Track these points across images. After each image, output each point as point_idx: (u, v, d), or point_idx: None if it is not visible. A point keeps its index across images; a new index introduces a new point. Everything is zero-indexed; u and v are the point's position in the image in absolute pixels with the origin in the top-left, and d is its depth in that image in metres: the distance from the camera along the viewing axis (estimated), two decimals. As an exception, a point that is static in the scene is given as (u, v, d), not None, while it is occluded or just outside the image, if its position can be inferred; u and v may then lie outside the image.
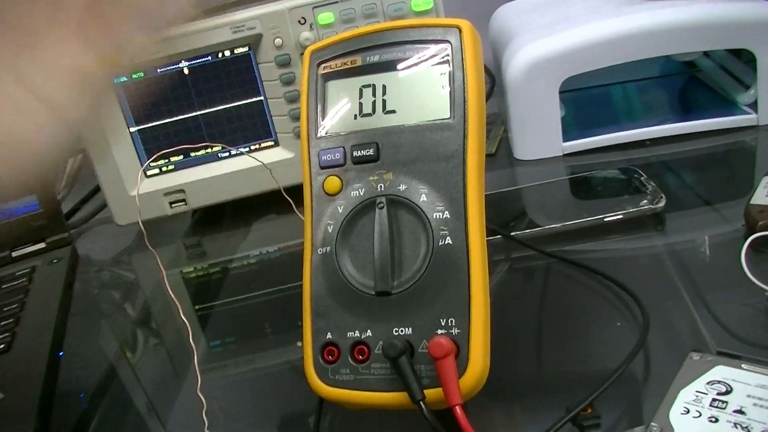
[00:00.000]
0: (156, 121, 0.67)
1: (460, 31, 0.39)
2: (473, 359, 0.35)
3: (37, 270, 0.63)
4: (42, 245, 0.66)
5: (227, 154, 0.68)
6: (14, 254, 0.66)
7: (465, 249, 0.36)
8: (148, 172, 0.68)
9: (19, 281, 0.61)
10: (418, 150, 0.38)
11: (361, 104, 0.40)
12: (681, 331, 0.43)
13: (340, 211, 0.39)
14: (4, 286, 0.61)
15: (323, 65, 0.42)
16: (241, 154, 0.67)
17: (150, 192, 0.68)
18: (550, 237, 0.53)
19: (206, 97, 0.67)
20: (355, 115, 0.40)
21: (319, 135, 0.41)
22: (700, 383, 0.35)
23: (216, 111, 0.67)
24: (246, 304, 0.58)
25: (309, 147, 0.41)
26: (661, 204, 0.52)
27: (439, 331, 0.35)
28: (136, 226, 0.70)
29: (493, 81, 0.81)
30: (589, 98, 0.77)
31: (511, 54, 0.65)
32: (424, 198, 0.37)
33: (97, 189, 0.85)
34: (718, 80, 0.72)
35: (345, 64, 0.41)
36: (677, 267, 0.48)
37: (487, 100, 0.81)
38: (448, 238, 0.36)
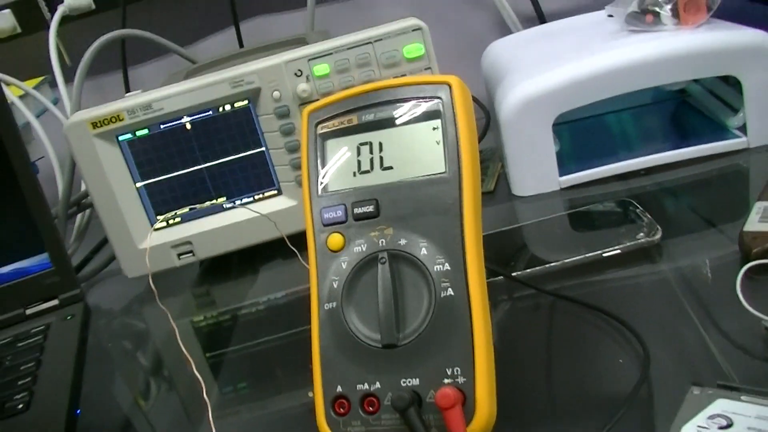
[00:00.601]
0: (161, 175, 0.69)
1: (450, 87, 0.41)
2: (480, 406, 0.36)
3: (51, 327, 0.64)
4: (55, 302, 0.67)
5: (232, 204, 0.70)
6: (28, 312, 0.67)
7: (466, 299, 0.37)
8: (156, 226, 0.70)
9: (35, 339, 0.62)
10: (416, 204, 0.40)
11: (359, 161, 0.42)
12: (682, 364, 0.43)
13: (344, 267, 0.40)
14: (19, 344, 0.62)
15: (321, 125, 0.43)
16: (244, 205, 0.69)
17: (158, 245, 0.69)
18: (550, 273, 0.54)
19: (209, 151, 0.68)
20: (354, 173, 0.42)
21: (320, 193, 0.42)
22: (701, 418, 0.36)
23: (219, 163, 0.69)
24: (257, 350, 0.59)
25: (311, 205, 0.42)
26: (658, 236, 0.54)
27: (446, 380, 0.37)
28: (146, 278, 0.72)
29: (488, 117, 0.83)
30: (582, 129, 0.78)
31: (504, 93, 0.67)
32: (424, 251, 0.39)
33: (106, 240, 0.87)
34: (708, 105, 0.74)
35: (342, 123, 0.43)
36: (676, 297, 0.49)
37: (483, 137, 0.83)
38: (449, 289, 0.38)
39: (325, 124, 0.43)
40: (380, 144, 0.42)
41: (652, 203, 0.60)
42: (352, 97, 0.43)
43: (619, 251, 0.53)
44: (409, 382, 0.37)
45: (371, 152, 0.42)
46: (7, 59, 0.95)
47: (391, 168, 0.41)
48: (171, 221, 0.70)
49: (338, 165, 0.42)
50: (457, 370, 0.37)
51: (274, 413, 0.50)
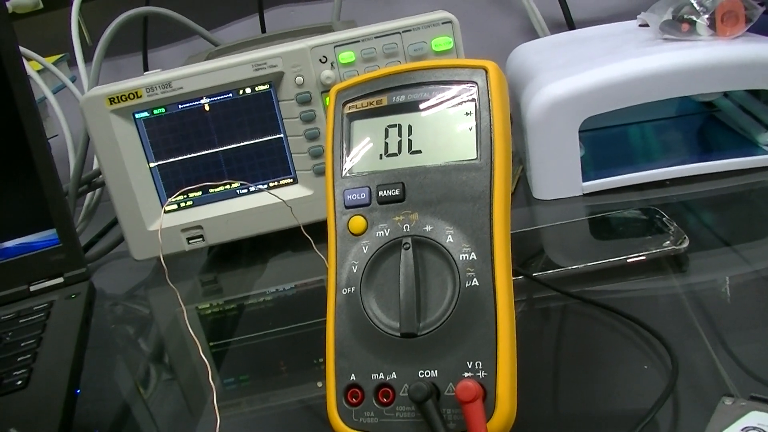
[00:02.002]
0: (175, 156, 0.67)
1: (487, 72, 0.39)
2: (500, 403, 0.34)
3: (54, 305, 0.62)
4: (60, 280, 0.66)
5: (246, 190, 0.68)
6: (32, 288, 0.66)
7: (492, 291, 0.36)
8: (167, 208, 0.68)
9: (37, 316, 0.61)
10: (445, 190, 0.38)
11: (386, 144, 0.40)
12: (708, 375, 0.42)
13: (365, 251, 0.39)
14: (21, 320, 0.61)
15: (349, 104, 0.42)
16: (261, 190, 0.67)
17: (168, 228, 0.68)
18: (571, 278, 0.52)
19: (226, 134, 0.67)
20: (381, 155, 0.40)
21: (344, 174, 0.41)
22: (734, 430, 0.34)
23: (235, 148, 0.67)
24: (262, 341, 0.57)
25: (334, 186, 0.41)
26: (685, 245, 0.52)
27: (466, 374, 0.35)
28: (152, 261, 0.70)
29: (510, 120, 0.81)
30: (606, 138, 0.77)
31: (531, 93, 0.65)
32: (450, 239, 0.37)
33: (113, 223, 0.85)
34: (738, 120, 0.72)
35: (371, 103, 0.41)
36: (702, 309, 0.47)
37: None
38: (474, 279, 0.36)
39: (353, 104, 0.42)
40: (410, 127, 0.40)
41: (677, 217, 0.59)
42: (383, 77, 0.41)
43: (644, 258, 0.52)
44: (427, 373, 0.36)
45: (399, 135, 0.40)
46: (27, 36, 0.93)
47: (419, 152, 0.39)
48: (182, 204, 0.69)
49: (364, 146, 0.41)
50: (478, 364, 0.35)
51: (278, 406, 0.48)
